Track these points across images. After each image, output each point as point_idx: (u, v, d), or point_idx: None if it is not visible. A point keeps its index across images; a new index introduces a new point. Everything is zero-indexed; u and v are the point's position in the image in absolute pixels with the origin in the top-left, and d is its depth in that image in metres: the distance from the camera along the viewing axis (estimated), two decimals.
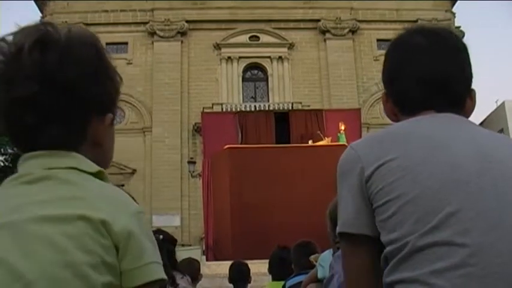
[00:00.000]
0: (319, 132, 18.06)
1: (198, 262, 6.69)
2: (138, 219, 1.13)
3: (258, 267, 7.43)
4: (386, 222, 1.37)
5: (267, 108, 33.81)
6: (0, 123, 1.18)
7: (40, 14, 38.64)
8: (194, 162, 29.64)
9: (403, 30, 1.66)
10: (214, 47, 38.91)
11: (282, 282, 4.61)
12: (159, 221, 29.27)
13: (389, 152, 1.40)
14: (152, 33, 38.75)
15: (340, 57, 38.48)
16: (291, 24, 39.26)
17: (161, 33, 38.59)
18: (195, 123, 35.30)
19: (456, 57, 1.57)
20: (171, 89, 37.52)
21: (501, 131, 36.28)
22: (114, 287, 1.08)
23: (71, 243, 1.05)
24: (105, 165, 1.27)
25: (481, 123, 37.00)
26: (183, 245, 27.60)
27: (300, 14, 39.33)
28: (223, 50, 38.83)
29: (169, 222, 31.55)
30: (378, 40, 39.22)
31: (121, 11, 38.82)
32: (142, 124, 37.46)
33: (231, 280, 6.12)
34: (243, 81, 39.01)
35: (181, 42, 38.86)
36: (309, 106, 32.88)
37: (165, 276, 1.14)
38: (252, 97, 39.08)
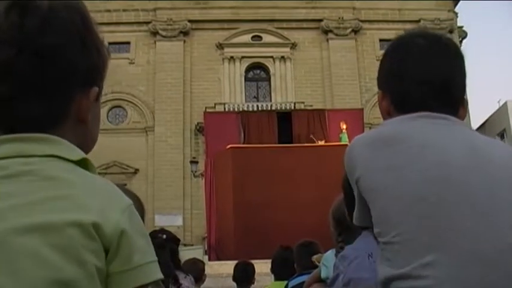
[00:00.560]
0: (312, 136, 18.07)
1: (202, 263, 6.70)
2: (130, 213, 1.04)
3: (261, 267, 7.41)
4: (373, 217, 1.47)
5: (269, 108, 33.79)
6: None
7: None
8: (196, 162, 29.67)
9: (404, 32, 1.70)
10: (217, 46, 38.90)
11: (285, 282, 4.60)
12: (161, 221, 29.31)
13: (379, 153, 1.46)
14: (155, 33, 38.75)
15: (342, 57, 38.45)
16: (294, 24, 39.23)
17: (163, 33, 38.58)
18: (198, 123, 35.30)
19: (456, 63, 1.61)
20: (174, 89, 37.51)
21: (503, 131, 36.24)
22: None
23: (61, 256, 0.95)
24: (89, 146, 1.17)
25: (483, 124, 37.01)
26: (185, 245, 27.60)
27: (302, 13, 39.30)
28: (225, 49, 38.82)
29: (172, 221, 31.55)
30: (381, 40, 39.16)
31: (123, 10, 38.82)
32: (144, 124, 37.46)
33: (234, 279, 6.12)
34: (245, 81, 38.99)
35: (184, 41, 38.85)
36: (311, 106, 32.86)
37: (161, 276, 1.07)
38: (254, 97, 39.06)
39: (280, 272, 5.12)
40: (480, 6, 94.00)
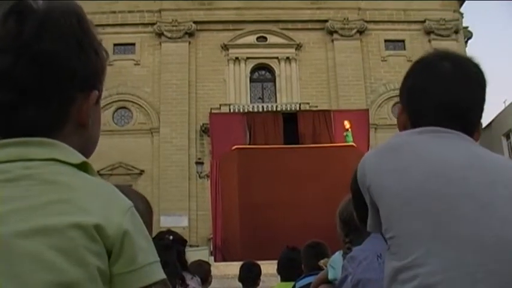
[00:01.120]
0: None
1: (208, 264, 6.70)
2: (131, 215, 1.05)
3: (267, 268, 7.41)
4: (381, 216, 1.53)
5: (274, 109, 33.80)
6: None
7: None
8: (202, 163, 29.70)
9: (433, 52, 1.74)
10: (222, 47, 38.93)
11: (291, 283, 4.59)
12: (166, 222, 29.27)
13: (385, 159, 1.55)
14: (160, 34, 38.80)
15: (347, 58, 38.41)
16: (299, 25, 39.22)
17: (169, 34, 38.62)
18: (203, 124, 35.35)
19: (477, 92, 1.64)
20: (179, 90, 37.55)
21: (509, 131, 36.13)
22: None
23: (64, 258, 0.95)
24: (90, 151, 1.17)
25: (490, 123, 36.87)
26: (190, 246, 27.57)
27: (307, 14, 39.28)
28: (230, 50, 38.83)
29: (177, 222, 31.55)
30: (386, 40, 39.19)
31: (129, 12, 38.89)
32: (150, 125, 37.51)
33: (240, 279, 6.12)
34: (250, 81, 38.99)
35: (189, 43, 38.88)
36: (316, 107, 32.85)
37: (164, 276, 1.07)
38: (259, 98, 39.06)
39: (286, 272, 5.10)
40: (486, 6, 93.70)
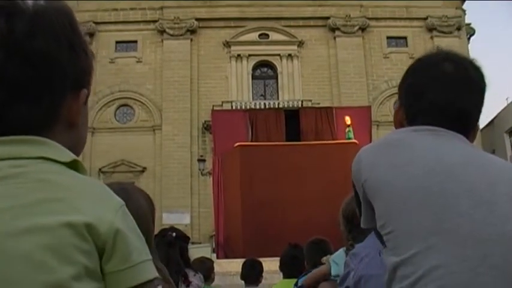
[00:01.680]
0: None
1: (211, 261, 6.70)
2: (123, 213, 1.04)
3: (269, 265, 7.42)
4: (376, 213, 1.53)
5: (276, 106, 33.77)
6: None
7: None
8: (204, 160, 29.72)
9: (435, 52, 1.74)
10: (224, 45, 38.93)
11: (294, 280, 4.59)
12: (169, 219, 29.31)
13: (382, 155, 1.56)
14: (162, 32, 38.80)
15: (349, 55, 38.39)
16: (301, 22, 39.20)
17: (171, 32, 38.62)
18: (205, 121, 35.37)
19: (476, 95, 1.65)
20: (181, 87, 37.57)
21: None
22: None
23: (54, 258, 0.94)
24: (79, 150, 1.16)
25: (492, 121, 36.85)
26: (192, 243, 27.62)
27: (309, 11, 39.25)
28: (232, 48, 38.84)
29: (179, 220, 31.56)
30: (388, 37, 39.17)
31: (131, 9, 38.90)
32: (152, 122, 37.54)
33: (243, 277, 6.12)
34: (252, 79, 39.00)
35: (191, 40, 38.89)
36: (318, 104, 32.86)
37: (157, 275, 1.07)
38: (261, 95, 39.07)
39: (288, 269, 5.12)
40: (489, 2, 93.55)
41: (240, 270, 6.25)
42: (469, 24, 41.18)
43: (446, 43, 33.22)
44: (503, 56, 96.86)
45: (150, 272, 1.05)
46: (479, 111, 1.66)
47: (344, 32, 39.01)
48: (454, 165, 1.47)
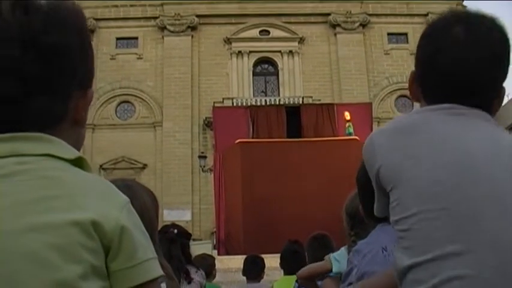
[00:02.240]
0: None
1: (212, 258, 6.71)
2: (128, 211, 1.03)
3: (270, 262, 7.42)
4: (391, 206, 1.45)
5: (277, 103, 33.76)
6: None
7: None
8: (205, 157, 29.73)
9: (447, 13, 1.55)
10: (225, 41, 38.91)
11: (295, 277, 4.59)
12: (170, 216, 29.34)
13: (397, 143, 1.44)
14: (162, 28, 38.77)
15: (350, 51, 38.38)
16: (301, 19, 39.17)
17: (171, 28, 38.60)
18: (206, 118, 35.38)
19: (494, 55, 1.46)
20: (182, 84, 37.57)
21: None
22: None
23: (60, 256, 0.93)
24: (79, 147, 1.15)
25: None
26: (193, 240, 27.63)
27: (310, 8, 39.21)
28: (233, 44, 38.81)
29: (180, 216, 31.61)
30: (389, 34, 39.14)
31: (131, 6, 38.87)
32: (153, 119, 37.55)
33: (244, 273, 6.12)
34: (253, 75, 38.98)
35: (192, 36, 38.87)
36: (319, 100, 32.85)
37: (162, 273, 1.07)
38: (262, 91, 39.07)
39: (289, 266, 5.10)
40: None
41: (241, 266, 6.25)
42: None
43: None
44: None
45: (156, 270, 1.05)
46: (500, 80, 1.48)
47: (345, 29, 38.98)
48: (480, 162, 1.36)
